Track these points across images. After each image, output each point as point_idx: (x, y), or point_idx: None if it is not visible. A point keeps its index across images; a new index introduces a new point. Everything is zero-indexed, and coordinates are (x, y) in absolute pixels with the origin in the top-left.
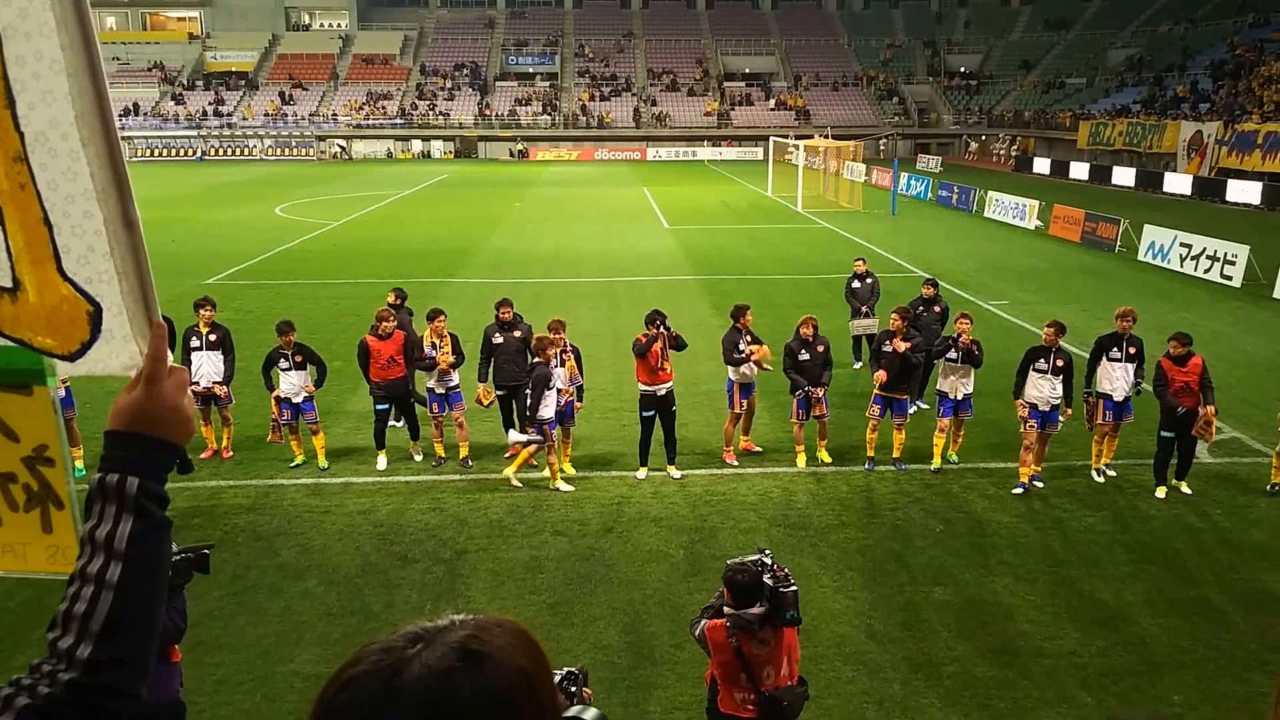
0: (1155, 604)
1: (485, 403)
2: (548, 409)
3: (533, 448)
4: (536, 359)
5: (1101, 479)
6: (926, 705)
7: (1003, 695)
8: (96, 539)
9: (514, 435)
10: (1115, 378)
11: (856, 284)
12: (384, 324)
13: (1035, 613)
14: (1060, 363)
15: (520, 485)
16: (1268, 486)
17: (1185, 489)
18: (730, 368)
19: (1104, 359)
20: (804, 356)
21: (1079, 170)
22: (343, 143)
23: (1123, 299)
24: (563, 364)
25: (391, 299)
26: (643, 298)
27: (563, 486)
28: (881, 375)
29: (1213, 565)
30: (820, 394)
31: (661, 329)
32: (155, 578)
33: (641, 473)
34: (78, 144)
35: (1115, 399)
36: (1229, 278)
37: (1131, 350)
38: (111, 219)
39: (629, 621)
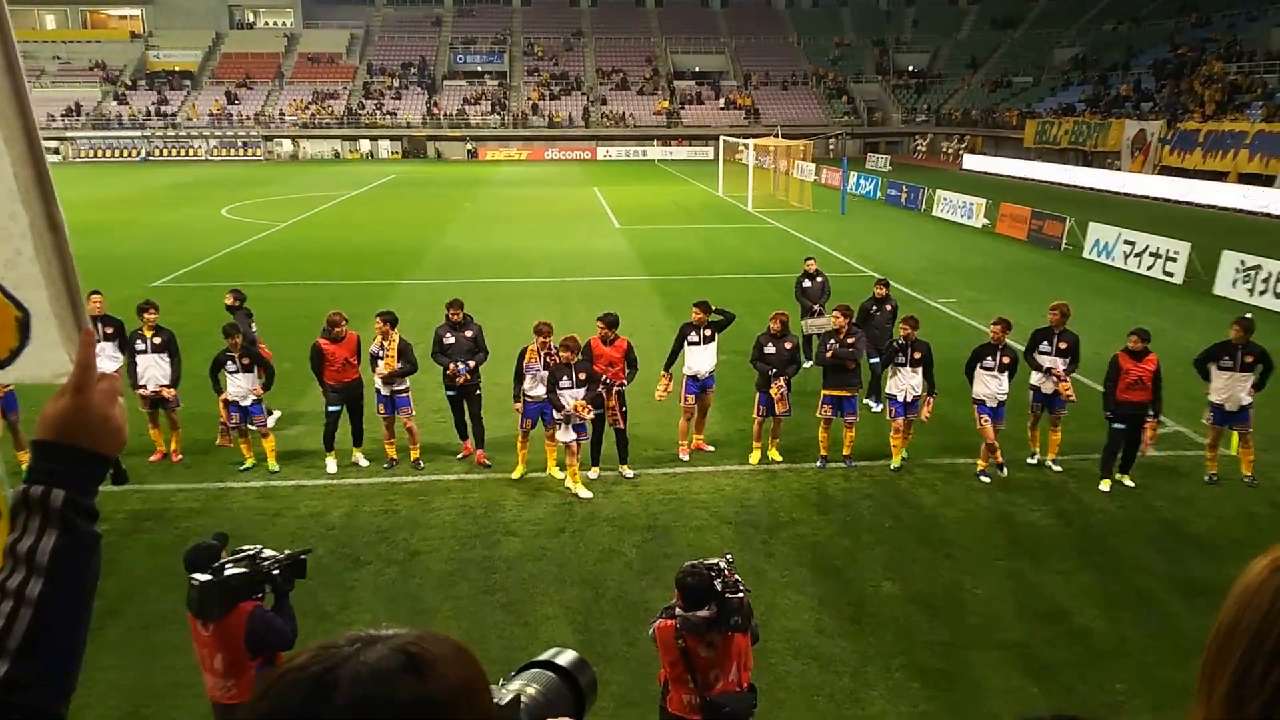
0: (1100, 595)
1: (464, 376)
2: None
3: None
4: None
5: (1035, 461)
6: (876, 698)
7: (951, 687)
8: (18, 552)
9: (563, 435)
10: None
11: (807, 283)
12: (336, 328)
13: (982, 606)
14: (1007, 360)
15: (589, 495)
16: (1205, 477)
17: (1129, 482)
18: (687, 362)
19: (1036, 352)
20: (769, 350)
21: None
22: (290, 143)
23: (1068, 297)
24: (548, 367)
25: (229, 300)
26: (594, 298)
27: (582, 492)
28: (847, 351)
29: (1156, 556)
30: (782, 388)
31: (608, 397)
32: (79, 594)
33: (594, 472)
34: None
35: (1044, 391)
36: (1171, 274)
37: (1063, 345)
38: (36, 221)
39: (582, 620)
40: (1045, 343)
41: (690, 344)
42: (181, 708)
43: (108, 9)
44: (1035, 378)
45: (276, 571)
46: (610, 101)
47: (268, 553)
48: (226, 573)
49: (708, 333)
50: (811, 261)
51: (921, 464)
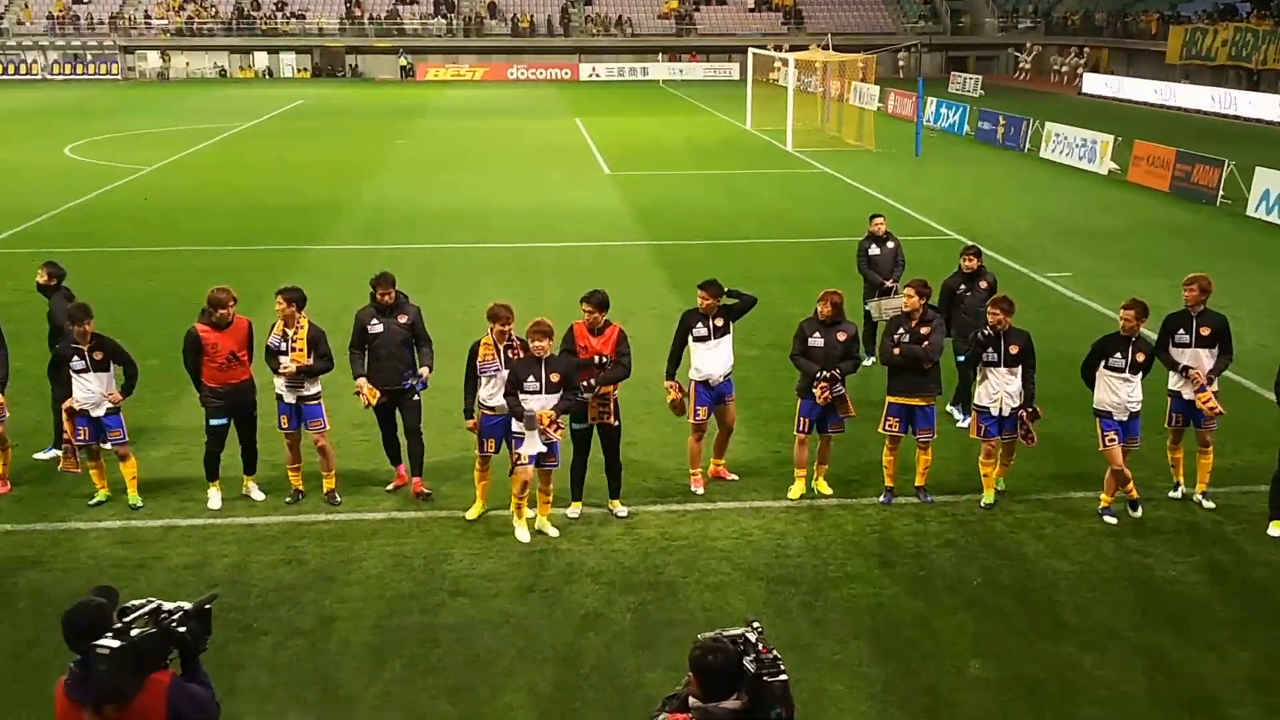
0: (1264, 679)
1: (371, 401)
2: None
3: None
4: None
5: (1178, 494)
6: None
7: None
8: None
9: (528, 446)
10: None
11: (875, 250)
12: (220, 310)
13: (1105, 692)
14: (1141, 357)
15: (528, 538)
16: None
17: None
18: (694, 363)
19: (1170, 344)
20: (815, 342)
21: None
22: (157, 56)
23: (1224, 268)
24: (509, 365)
25: (42, 278)
26: (575, 270)
27: (522, 534)
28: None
29: None
30: (837, 385)
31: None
32: None
33: (574, 509)
34: None
35: (1184, 396)
36: None
37: (1204, 331)
38: None
39: (557, 712)
40: (1182, 330)
41: (696, 339)
42: None
43: None
44: (1174, 380)
45: (184, 629)
46: (599, 1)
47: (168, 606)
48: (134, 634)
49: (719, 323)
50: (880, 221)
51: (1023, 499)
